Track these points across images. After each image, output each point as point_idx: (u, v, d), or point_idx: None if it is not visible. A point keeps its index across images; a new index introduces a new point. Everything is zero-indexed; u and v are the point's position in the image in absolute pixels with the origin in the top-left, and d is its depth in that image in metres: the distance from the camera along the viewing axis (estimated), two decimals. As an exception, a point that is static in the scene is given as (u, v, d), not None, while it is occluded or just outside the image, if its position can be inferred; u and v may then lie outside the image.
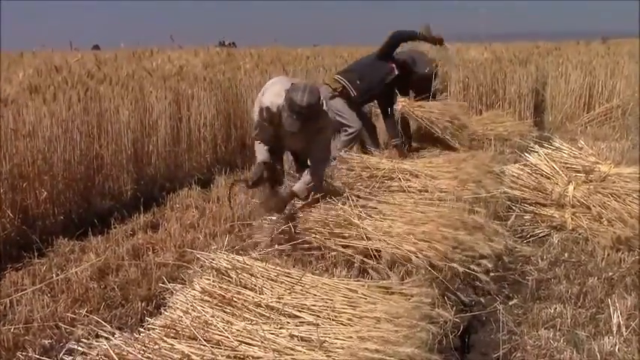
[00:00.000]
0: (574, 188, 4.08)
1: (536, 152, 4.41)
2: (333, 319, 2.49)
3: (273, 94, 3.74)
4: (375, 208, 3.81)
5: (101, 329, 2.41)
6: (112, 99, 5.19)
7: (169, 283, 2.87)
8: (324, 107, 3.71)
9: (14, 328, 2.83)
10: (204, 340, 2.29)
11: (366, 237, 3.46)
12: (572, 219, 4.06)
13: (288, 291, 2.70)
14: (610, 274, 3.42)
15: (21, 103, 4.44)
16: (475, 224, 3.58)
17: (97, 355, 2.23)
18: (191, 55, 9.14)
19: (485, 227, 3.59)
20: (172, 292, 2.76)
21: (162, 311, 2.71)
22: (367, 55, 6.37)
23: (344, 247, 3.52)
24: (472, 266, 3.24)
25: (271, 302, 2.60)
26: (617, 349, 2.64)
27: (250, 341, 2.30)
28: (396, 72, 5.87)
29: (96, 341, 2.38)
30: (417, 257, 3.24)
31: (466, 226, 3.51)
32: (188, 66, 7.27)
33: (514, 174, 4.37)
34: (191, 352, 2.22)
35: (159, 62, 7.12)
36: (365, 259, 3.38)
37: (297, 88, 3.55)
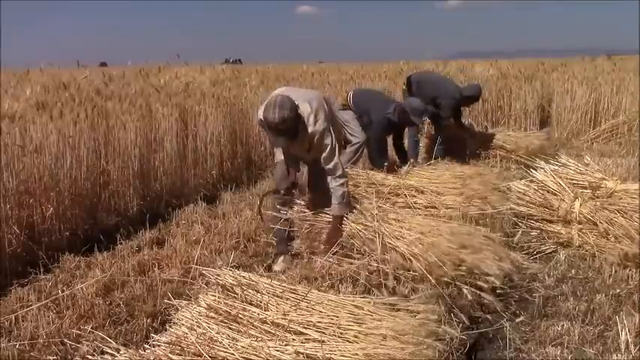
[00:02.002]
0: (580, 204, 4.06)
1: (543, 168, 4.39)
2: (338, 336, 2.47)
3: (264, 106, 3.65)
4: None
5: (106, 345, 2.41)
6: (118, 115, 5.21)
7: (175, 299, 2.87)
8: (311, 114, 3.60)
9: (19, 345, 2.82)
10: (210, 357, 2.28)
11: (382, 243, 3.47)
12: (578, 235, 4.04)
13: (294, 307, 2.69)
14: (617, 291, 3.40)
15: (28, 120, 4.47)
16: (481, 241, 3.56)
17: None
18: (197, 72, 9.21)
19: (491, 244, 3.58)
20: (178, 309, 2.76)
21: (168, 327, 2.71)
22: (386, 99, 6.22)
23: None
24: (479, 283, 3.23)
25: (277, 319, 2.59)
26: (625, 367, 2.62)
27: (256, 358, 2.30)
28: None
29: (101, 358, 2.39)
30: (418, 264, 3.25)
31: (472, 242, 3.49)
32: (195, 83, 7.32)
33: (520, 190, 4.35)
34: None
35: (166, 79, 7.17)
36: (370, 275, 3.38)
37: (268, 105, 3.48)
